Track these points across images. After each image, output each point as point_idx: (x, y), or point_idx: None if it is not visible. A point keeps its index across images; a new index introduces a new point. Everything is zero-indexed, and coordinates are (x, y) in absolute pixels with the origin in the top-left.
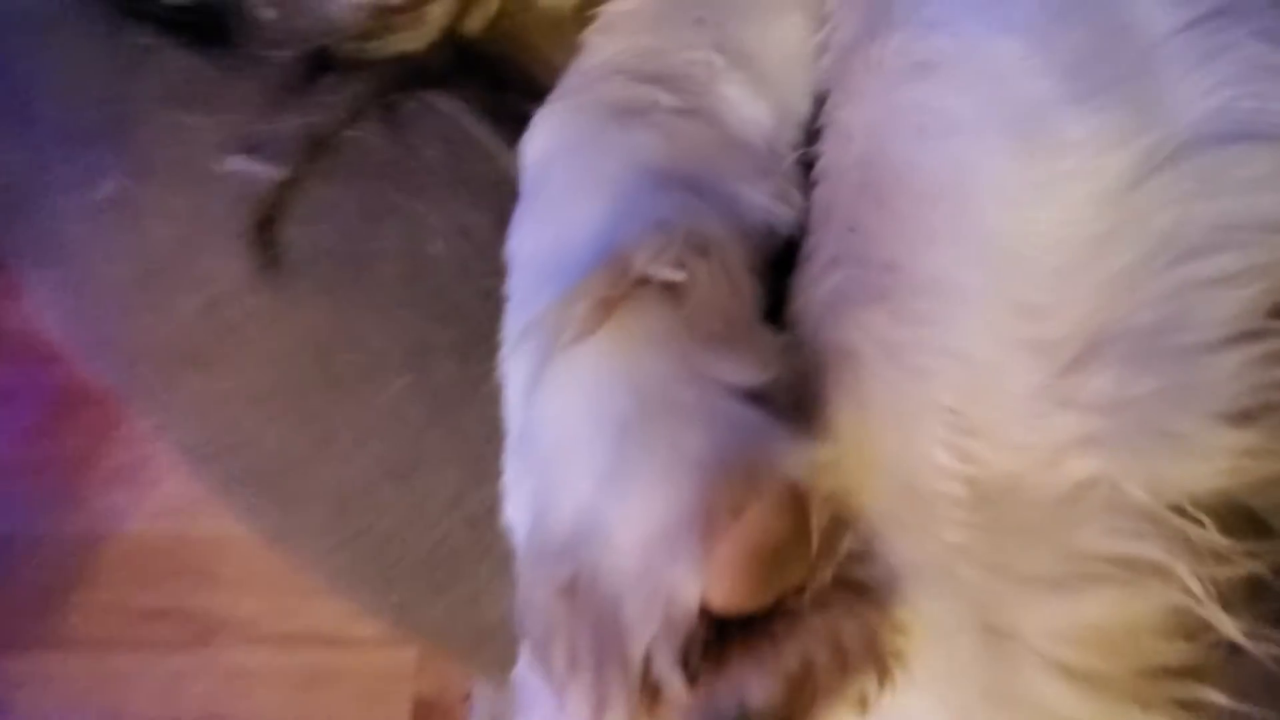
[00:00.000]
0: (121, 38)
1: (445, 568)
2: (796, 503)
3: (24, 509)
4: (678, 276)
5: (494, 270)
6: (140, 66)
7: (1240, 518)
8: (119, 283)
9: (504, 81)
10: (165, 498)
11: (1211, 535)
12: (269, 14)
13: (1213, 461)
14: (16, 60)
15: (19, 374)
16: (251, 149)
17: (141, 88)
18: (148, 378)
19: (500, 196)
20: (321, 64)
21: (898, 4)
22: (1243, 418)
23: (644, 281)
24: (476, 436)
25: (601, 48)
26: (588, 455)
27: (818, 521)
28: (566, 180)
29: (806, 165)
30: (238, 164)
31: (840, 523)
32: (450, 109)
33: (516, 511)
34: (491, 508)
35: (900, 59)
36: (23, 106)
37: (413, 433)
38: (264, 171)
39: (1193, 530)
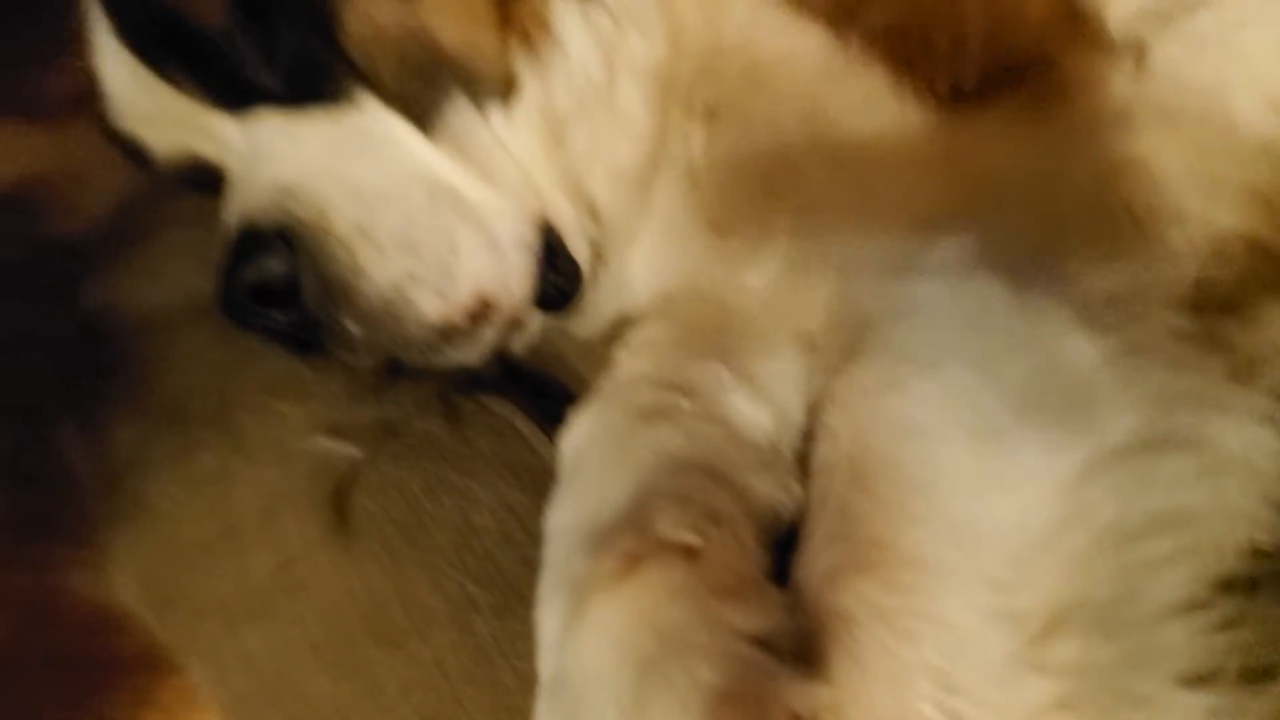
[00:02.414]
0: (233, 340)
1: None
2: None
3: None
4: (694, 540)
5: (533, 541)
6: (246, 364)
7: None
8: (201, 542)
9: (542, 387)
10: None
11: None
12: (356, 329)
13: None
14: (140, 353)
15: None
16: (334, 432)
17: (245, 380)
18: (213, 630)
19: (540, 480)
20: (395, 367)
21: (871, 334)
22: (1199, 680)
23: (665, 544)
24: (512, 688)
25: (629, 364)
26: (614, 689)
27: None
28: (600, 465)
29: (804, 461)
30: (322, 444)
31: None
32: (501, 409)
33: None
34: None
35: (876, 379)
36: (141, 393)
37: (454, 684)
38: (343, 451)
39: None
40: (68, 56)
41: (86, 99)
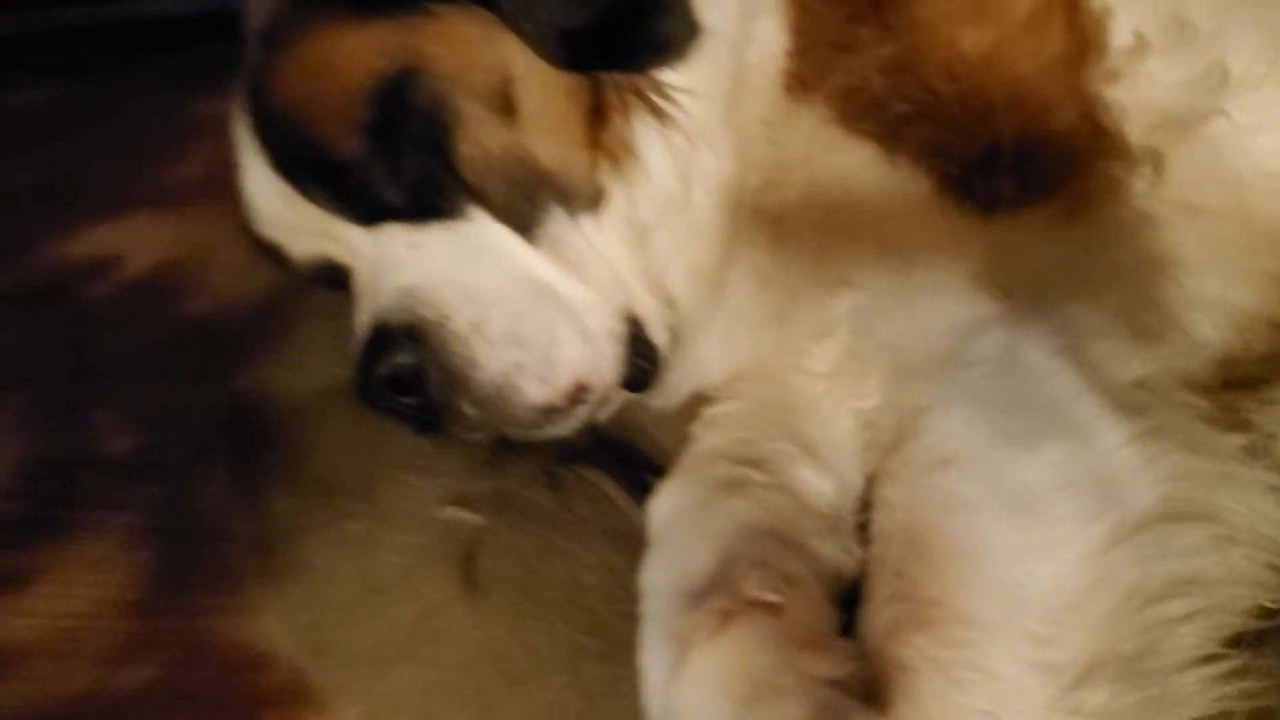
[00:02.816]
0: (368, 421)
1: None
2: None
3: None
4: (776, 599)
5: (630, 597)
6: (382, 443)
7: None
8: (351, 597)
9: (624, 453)
10: None
11: None
12: (471, 411)
13: None
14: (291, 433)
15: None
16: (459, 502)
17: (383, 457)
18: (365, 674)
19: (633, 543)
20: (504, 443)
21: (921, 417)
22: None
23: (752, 602)
24: None
25: (706, 439)
26: None
27: None
28: (687, 533)
29: (863, 527)
30: (451, 513)
31: None
32: (595, 478)
33: None
34: None
35: (927, 456)
36: (294, 467)
37: None
38: (470, 519)
39: None
40: (188, 145)
41: (210, 184)
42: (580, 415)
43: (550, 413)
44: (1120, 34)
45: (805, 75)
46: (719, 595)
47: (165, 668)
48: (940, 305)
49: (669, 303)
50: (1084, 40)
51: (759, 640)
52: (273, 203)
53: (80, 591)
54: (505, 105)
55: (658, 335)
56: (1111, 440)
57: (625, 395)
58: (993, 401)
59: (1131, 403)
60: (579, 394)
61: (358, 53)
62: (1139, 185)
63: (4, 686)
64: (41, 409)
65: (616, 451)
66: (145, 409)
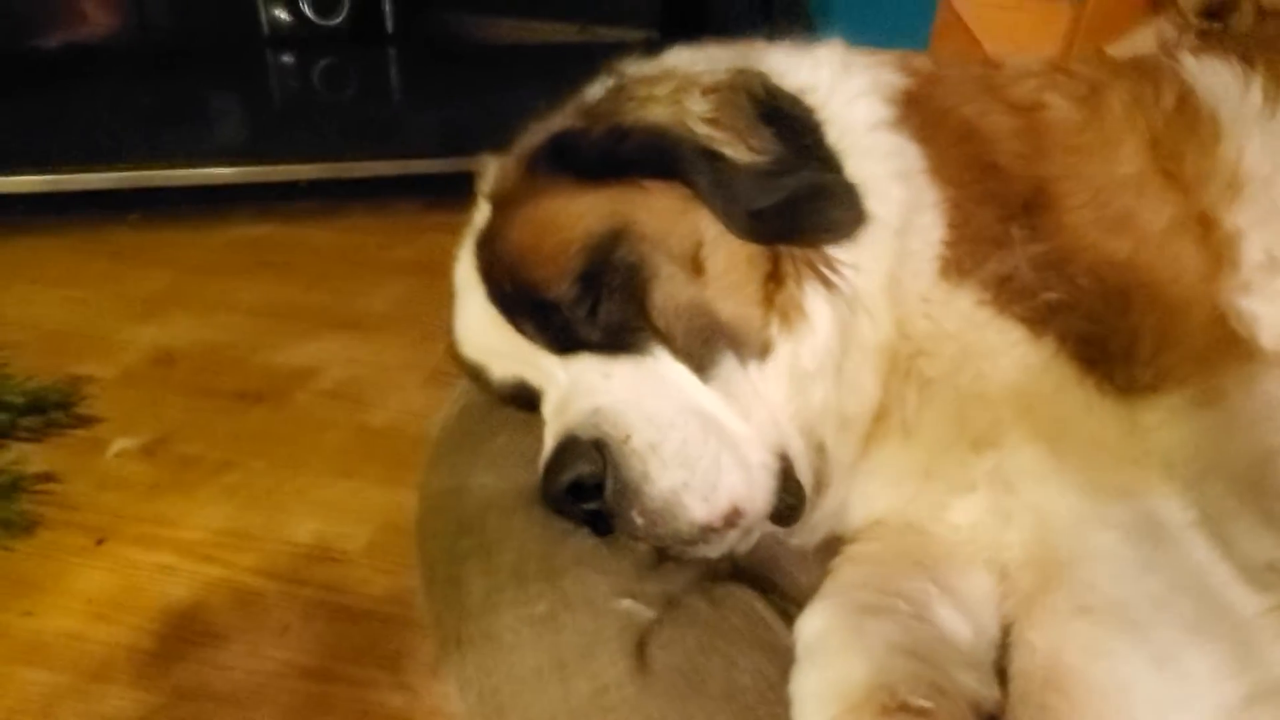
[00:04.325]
0: (552, 522)
1: None
2: None
3: None
4: (930, 705)
5: (782, 701)
6: (564, 541)
7: None
8: (536, 669)
9: (765, 587)
10: None
11: None
12: (640, 521)
13: None
14: (485, 524)
15: None
16: (633, 596)
17: (564, 553)
18: None
19: (782, 657)
20: (661, 555)
21: (1062, 570)
22: None
23: (908, 706)
24: None
25: (848, 571)
26: None
27: None
28: (840, 645)
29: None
30: (625, 604)
31: None
32: (744, 595)
33: None
34: None
35: (1068, 604)
36: (487, 554)
37: None
38: (643, 612)
39: None
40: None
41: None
42: (731, 539)
43: (707, 531)
44: (1253, 252)
45: (961, 262)
46: (880, 693)
47: None
48: (1081, 471)
49: (819, 448)
50: (1217, 256)
51: None
52: (484, 330)
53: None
54: (695, 265)
55: (805, 476)
56: (1247, 609)
57: (770, 527)
58: (1131, 562)
59: (1263, 579)
60: (734, 517)
61: (578, 214)
62: (1270, 384)
63: None
64: (248, 488)
65: (755, 582)
66: (329, 500)
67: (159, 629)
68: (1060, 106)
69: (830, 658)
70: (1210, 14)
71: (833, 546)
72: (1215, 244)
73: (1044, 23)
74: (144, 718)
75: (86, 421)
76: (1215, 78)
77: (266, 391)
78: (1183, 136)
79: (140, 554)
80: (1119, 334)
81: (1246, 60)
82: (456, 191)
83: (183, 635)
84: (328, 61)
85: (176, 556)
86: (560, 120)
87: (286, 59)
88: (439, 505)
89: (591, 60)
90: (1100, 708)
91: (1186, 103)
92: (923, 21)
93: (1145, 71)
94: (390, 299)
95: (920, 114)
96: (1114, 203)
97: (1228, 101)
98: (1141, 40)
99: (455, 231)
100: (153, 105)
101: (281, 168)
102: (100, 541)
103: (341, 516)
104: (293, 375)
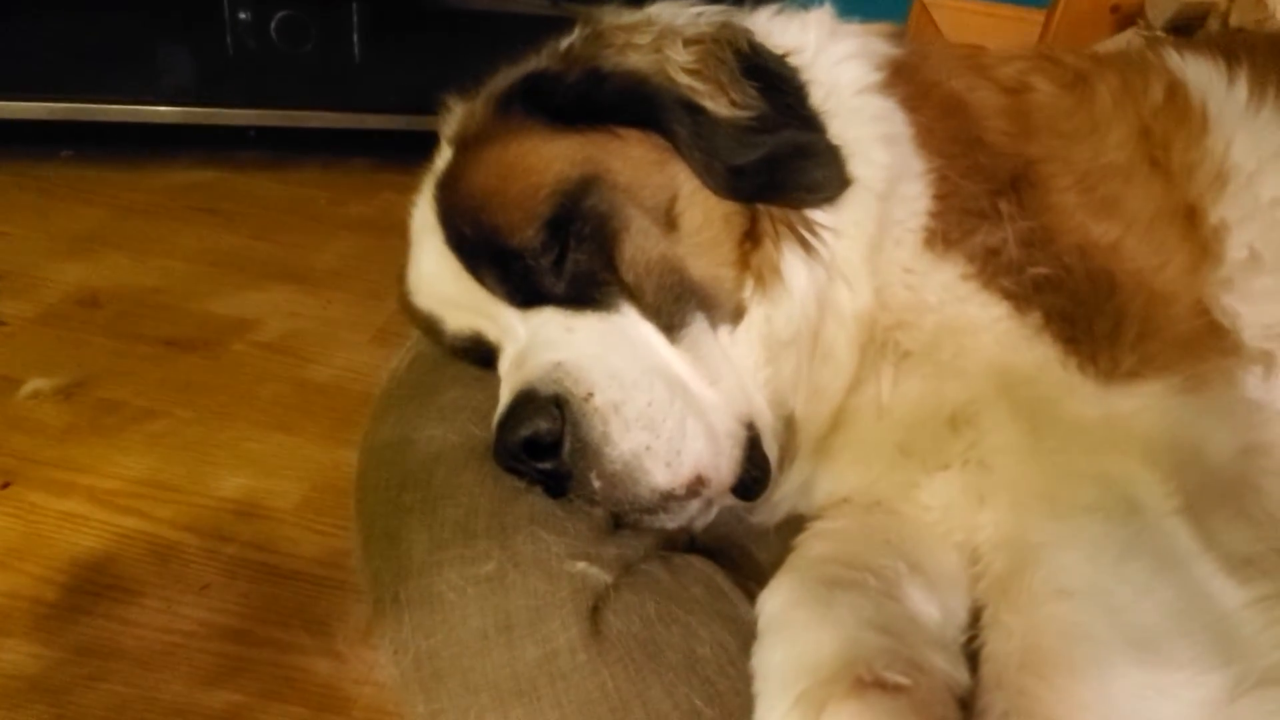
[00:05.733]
0: (505, 479)
1: None
2: None
3: None
4: (907, 681)
5: (742, 675)
6: (517, 499)
7: None
8: (480, 632)
9: (718, 563)
10: None
11: None
12: (598, 484)
13: None
14: (431, 477)
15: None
16: (589, 559)
17: (517, 511)
18: (483, 704)
19: (743, 629)
20: (618, 523)
21: (1037, 553)
22: None
23: (883, 681)
24: None
25: (814, 546)
26: None
27: None
28: (807, 619)
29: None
30: (580, 567)
31: None
32: (705, 566)
33: None
34: None
35: (1045, 588)
36: (432, 509)
37: None
38: (598, 576)
39: None
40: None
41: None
42: (691, 510)
43: (668, 499)
44: (1236, 247)
45: (948, 233)
46: (850, 668)
47: (255, 695)
48: (1061, 453)
49: (788, 420)
50: (1201, 248)
51: (889, 711)
52: (440, 279)
53: (185, 611)
54: (669, 220)
55: (771, 448)
56: (1231, 601)
57: (732, 500)
58: (1112, 545)
59: (1245, 571)
60: (697, 486)
61: (549, 157)
62: (1250, 381)
63: (102, 686)
64: (173, 438)
65: (711, 558)
66: (261, 455)
67: (64, 580)
68: (1047, 90)
69: (797, 631)
70: (1177, 29)
71: (794, 524)
72: (1202, 236)
73: (1015, 28)
74: (40, 673)
75: None
76: (1202, 72)
77: (199, 340)
78: (1172, 127)
79: (48, 500)
80: (1103, 316)
81: (1231, 57)
82: (413, 151)
83: (90, 589)
84: (287, 13)
85: (88, 505)
86: (535, 63)
87: (245, 7)
88: (383, 458)
89: (560, 34)
90: (1079, 692)
91: (1175, 94)
92: (895, 22)
93: (1133, 64)
94: (339, 255)
95: (909, 83)
96: (1101, 187)
97: (1215, 95)
98: (1113, 48)
99: (410, 191)
100: (98, 41)
101: (228, 111)
102: (5, 485)
103: (273, 472)
104: (230, 325)
